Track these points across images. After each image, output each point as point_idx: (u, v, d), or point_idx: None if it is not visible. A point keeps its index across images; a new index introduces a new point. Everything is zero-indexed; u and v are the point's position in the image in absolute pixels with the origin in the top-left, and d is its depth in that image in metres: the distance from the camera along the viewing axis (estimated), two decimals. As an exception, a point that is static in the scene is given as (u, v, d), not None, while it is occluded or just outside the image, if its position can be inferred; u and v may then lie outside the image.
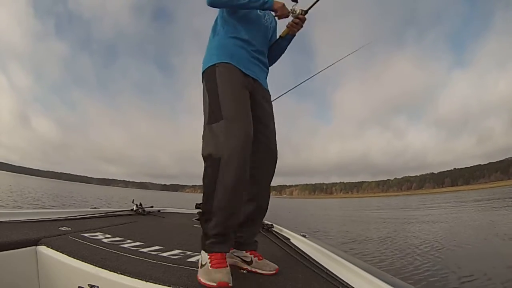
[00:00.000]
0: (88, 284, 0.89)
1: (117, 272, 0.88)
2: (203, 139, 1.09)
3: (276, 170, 1.25)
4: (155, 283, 0.83)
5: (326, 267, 1.11)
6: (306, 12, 1.28)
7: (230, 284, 0.86)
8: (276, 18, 1.32)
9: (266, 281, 0.95)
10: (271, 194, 1.27)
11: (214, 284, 0.84)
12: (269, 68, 1.40)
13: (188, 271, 0.97)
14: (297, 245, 1.62)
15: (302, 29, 1.34)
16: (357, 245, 5.08)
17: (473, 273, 3.18)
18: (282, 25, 1.37)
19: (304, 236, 1.81)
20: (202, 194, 1.03)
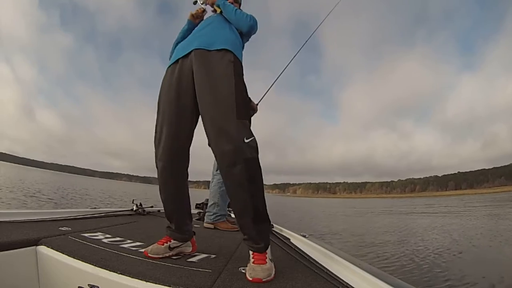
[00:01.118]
0: (88, 284, 0.89)
1: (117, 272, 0.88)
2: None
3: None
4: (155, 283, 0.83)
5: (326, 267, 1.11)
6: None
7: (149, 254, 1.09)
8: (205, 17, 1.45)
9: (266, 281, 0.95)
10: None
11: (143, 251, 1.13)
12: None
13: (188, 271, 0.97)
14: (297, 245, 1.62)
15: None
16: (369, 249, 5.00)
17: (474, 275, 3.18)
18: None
19: (304, 236, 1.81)
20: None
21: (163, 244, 1.16)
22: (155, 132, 1.23)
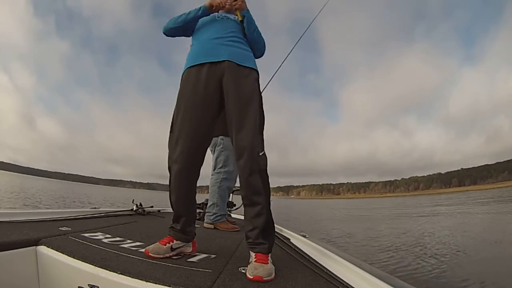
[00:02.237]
0: (88, 284, 0.89)
1: (117, 272, 0.88)
2: None
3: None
4: (155, 283, 0.83)
5: (326, 267, 1.11)
6: None
7: (150, 254, 1.08)
8: (220, 11, 1.41)
9: (266, 281, 0.95)
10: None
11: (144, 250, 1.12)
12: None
13: (188, 271, 0.97)
14: (297, 245, 1.62)
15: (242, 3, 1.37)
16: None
17: (475, 274, 3.17)
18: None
19: (304, 236, 1.81)
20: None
21: (165, 244, 1.16)
22: (171, 132, 1.23)
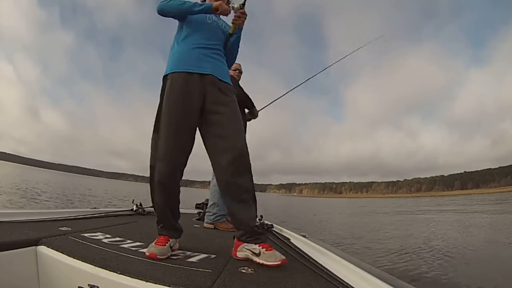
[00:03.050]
0: (88, 284, 0.89)
1: (117, 272, 0.88)
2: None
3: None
4: (155, 283, 0.83)
5: (326, 267, 1.11)
6: (243, 5, 1.41)
7: (158, 257, 1.08)
8: (220, 16, 1.47)
9: (266, 281, 0.95)
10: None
11: (147, 254, 1.09)
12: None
13: (188, 271, 0.97)
14: (297, 245, 1.62)
15: (246, 21, 1.45)
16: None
17: (476, 274, 3.17)
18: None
19: (304, 236, 1.82)
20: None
21: (165, 245, 1.17)
22: (155, 132, 1.26)
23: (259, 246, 1.19)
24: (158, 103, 1.31)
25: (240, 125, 1.32)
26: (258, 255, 1.17)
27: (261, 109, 2.71)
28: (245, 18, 1.43)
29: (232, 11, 1.40)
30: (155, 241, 1.19)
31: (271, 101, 2.86)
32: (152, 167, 1.26)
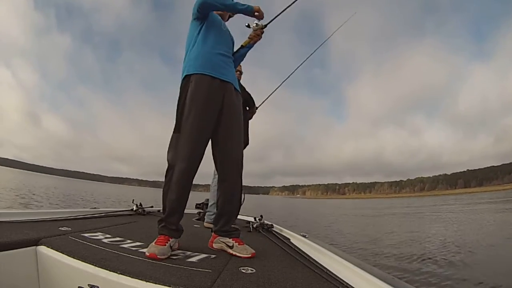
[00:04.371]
0: (88, 284, 0.89)
1: (117, 272, 0.88)
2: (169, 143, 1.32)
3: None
4: (155, 283, 0.83)
5: (326, 267, 1.11)
6: (265, 26, 1.56)
7: (158, 256, 1.08)
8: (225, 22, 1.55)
9: (266, 281, 0.95)
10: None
11: (147, 254, 1.10)
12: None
13: (188, 271, 0.97)
14: (297, 245, 1.62)
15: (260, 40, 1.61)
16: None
17: (477, 274, 3.15)
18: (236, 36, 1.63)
19: (304, 236, 1.82)
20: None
21: (165, 244, 1.17)
22: (178, 132, 1.28)
23: (232, 239, 1.35)
24: (176, 102, 1.32)
25: (241, 137, 1.45)
26: (231, 247, 1.33)
27: (260, 104, 2.72)
28: (259, 39, 1.59)
29: (253, 27, 1.54)
30: (155, 241, 1.18)
31: (268, 95, 2.86)
32: (171, 166, 1.28)
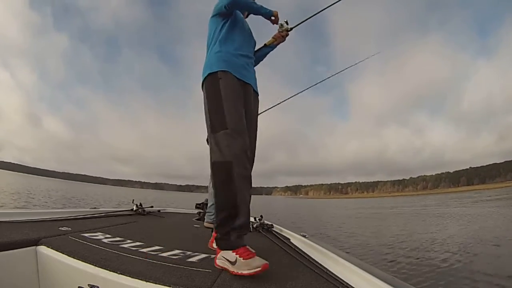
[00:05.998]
0: (88, 284, 0.89)
1: (117, 272, 0.88)
2: (210, 147, 1.19)
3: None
4: (155, 283, 0.83)
5: (326, 267, 1.11)
6: (291, 29, 1.57)
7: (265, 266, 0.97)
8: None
9: (266, 281, 0.95)
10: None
11: (259, 269, 0.96)
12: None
13: (188, 271, 0.97)
14: (297, 245, 1.62)
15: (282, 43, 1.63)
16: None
17: (477, 273, 3.14)
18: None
19: (304, 236, 1.82)
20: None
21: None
22: (225, 128, 1.16)
23: (234, 253, 1.04)
24: (203, 105, 1.26)
25: (255, 142, 1.42)
26: (233, 263, 1.02)
27: (263, 112, 2.70)
28: (283, 41, 1.61)
29: (279, 28, 1.56)
30: (242, 256, 1.01)
31: (271, 106, 2.85)
32: (222, 163, 1.13)
